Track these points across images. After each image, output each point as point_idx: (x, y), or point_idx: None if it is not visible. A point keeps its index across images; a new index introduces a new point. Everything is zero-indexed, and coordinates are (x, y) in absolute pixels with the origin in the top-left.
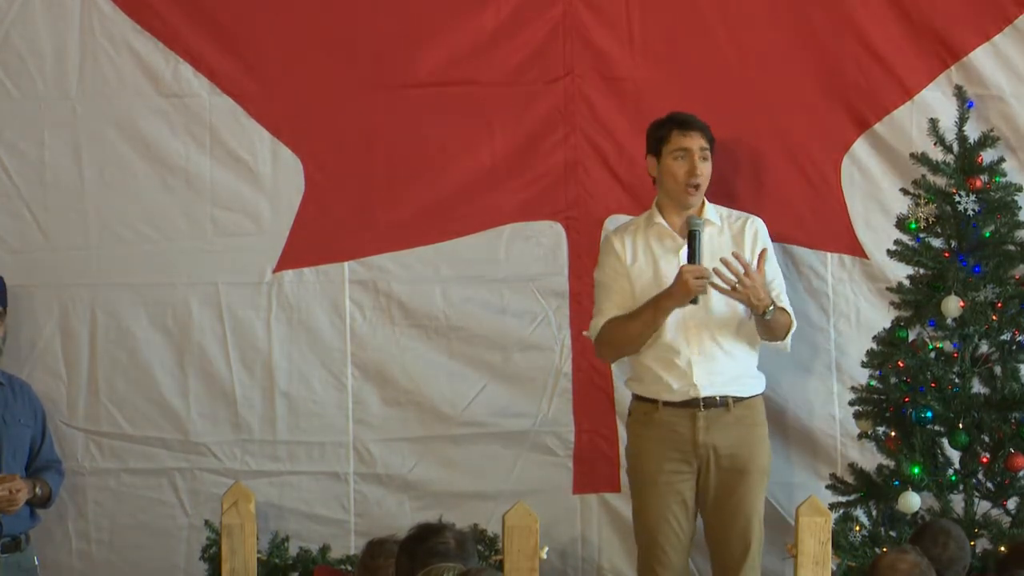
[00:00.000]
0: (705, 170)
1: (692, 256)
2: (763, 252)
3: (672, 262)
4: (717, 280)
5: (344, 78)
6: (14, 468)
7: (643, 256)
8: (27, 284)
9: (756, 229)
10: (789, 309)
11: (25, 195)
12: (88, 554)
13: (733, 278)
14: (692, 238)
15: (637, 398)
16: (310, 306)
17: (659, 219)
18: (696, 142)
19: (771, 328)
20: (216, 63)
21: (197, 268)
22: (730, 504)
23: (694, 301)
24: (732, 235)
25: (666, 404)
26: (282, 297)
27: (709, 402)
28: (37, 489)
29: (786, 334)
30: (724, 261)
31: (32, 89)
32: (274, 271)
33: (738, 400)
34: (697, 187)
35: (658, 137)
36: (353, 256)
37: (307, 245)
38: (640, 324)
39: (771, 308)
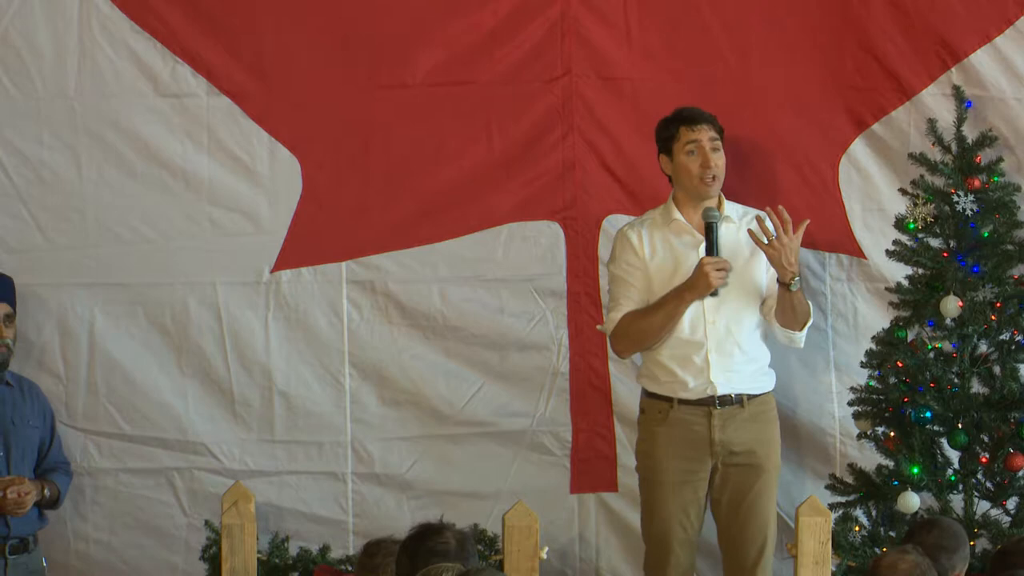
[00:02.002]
0: (719, 160)
1: (710, 248)
2: (803, 222)
3: (692, 257)
4: (737, 272)
5: (342, 78)
6: (23, 469)
7: (662, 251)
8: (25, 284)
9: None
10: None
11: (23, 194)
12: (87, 554)
13: (772, 231)
14: (709, 230)
15: (650, 396)
16: (308, 306)
17: (677, 215)
18: (705, 134)
19: (794, 308)
20: (214, 63)
21: (195, 268)
22: (747, 503)
23: (714, 293)
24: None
25: (682, 402)
26: (280, 297)
27: (724, 400)
28: (45, 491)
29: (804, 324)
30: (768, 212)
31: (31, 89)
32: (272, 271)
33: (752, 397)
34: (714, 179)
35: (667, 136)
36: (351, 256)
37: (305, 245)
38: (661, 317)
39: (797, 279)
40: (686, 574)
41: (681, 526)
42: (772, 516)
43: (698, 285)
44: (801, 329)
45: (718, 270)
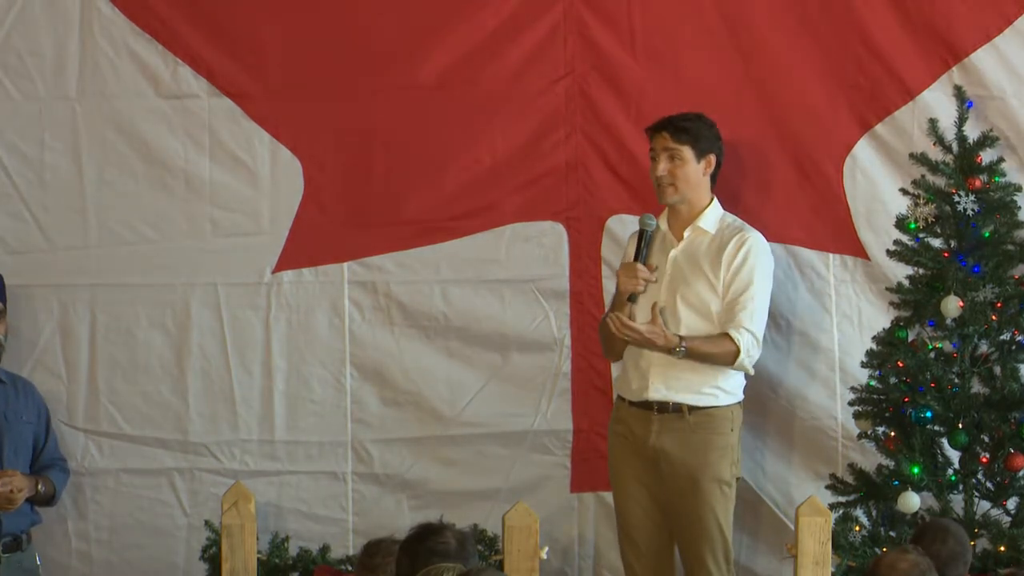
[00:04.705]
0: (674, 168)
1: (637, 254)
2: (654, 306)
3: (661, 261)
4: (689, 283)
5: (343, 79)
6: (16, 465)
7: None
8: (27, 284)
9: (741, 246)
10: (739, 338)
11: (25, 195)
12: (87, 554)
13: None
14: (640, 236)
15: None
16: (309, 306)
17: (664, 224)
18: (660, 142)
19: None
20: (215, 64)
21: (196, 268)
22: (681, 511)
23: (631, 299)
24: (719, 247)
25: (630, 404)
26: (281, 297)
27: (663, 407)
28: (40, 486)
29: (732, 361)
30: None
31: (32, 90)
32: (273, 271)
33: (695, 409)
34: (663, 186)
35: None
36: (352, 257)
37: (306, 246)
38: (605, 320)
39: (678, 350)
40: (651, 562)
41: (633, 513)
42: (714, 531)
43: (617, 289)
44: (731, 365)
45: (633, 276)
